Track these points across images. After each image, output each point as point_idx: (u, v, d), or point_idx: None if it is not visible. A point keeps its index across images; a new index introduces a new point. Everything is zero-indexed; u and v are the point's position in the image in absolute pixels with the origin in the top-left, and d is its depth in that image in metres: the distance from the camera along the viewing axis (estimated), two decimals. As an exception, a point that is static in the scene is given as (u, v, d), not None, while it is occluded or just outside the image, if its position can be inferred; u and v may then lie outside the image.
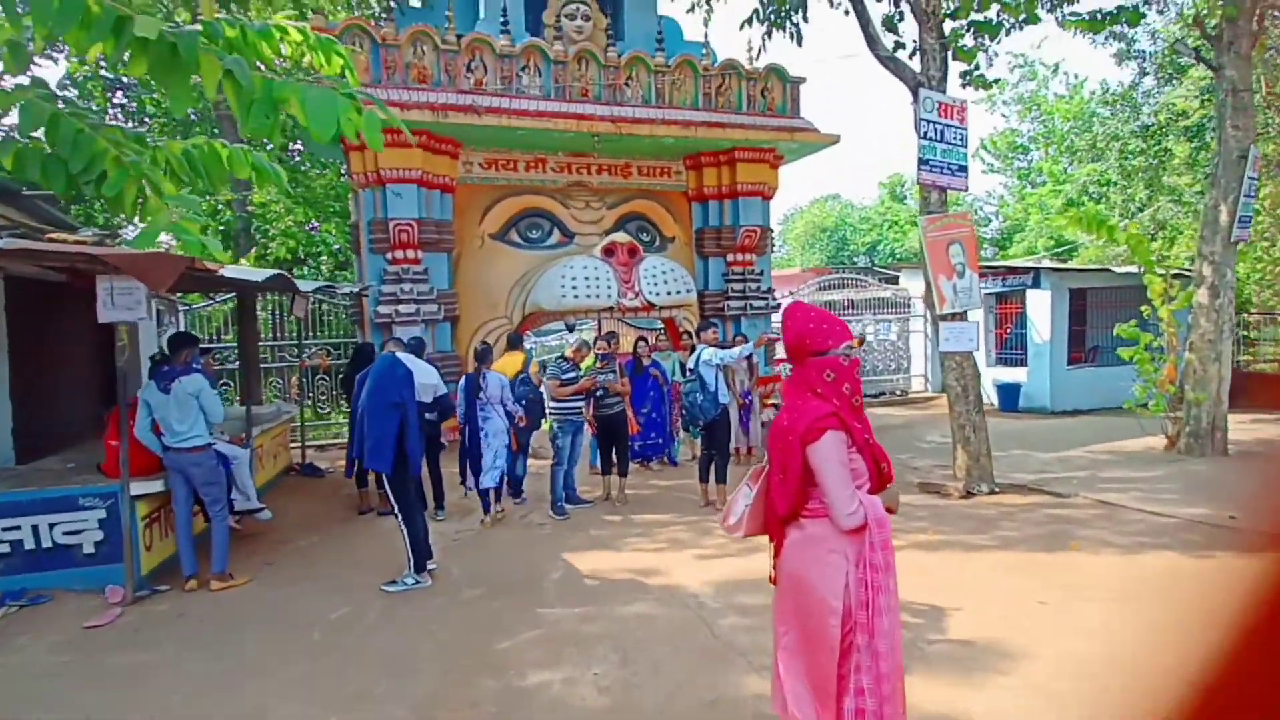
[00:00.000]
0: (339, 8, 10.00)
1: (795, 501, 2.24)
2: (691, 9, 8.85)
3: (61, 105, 3.18)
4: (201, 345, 6.25)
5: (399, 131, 9.47)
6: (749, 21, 7.81)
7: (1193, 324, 8.63)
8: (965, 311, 7.19)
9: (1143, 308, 9.23)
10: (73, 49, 2.70)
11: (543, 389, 7.26)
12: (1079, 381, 13.04)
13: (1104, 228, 8.40)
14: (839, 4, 7.76)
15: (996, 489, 6.99)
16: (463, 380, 6.81)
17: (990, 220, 34.36)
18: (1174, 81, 13.17)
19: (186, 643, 4.19)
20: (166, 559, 5.28)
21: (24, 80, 3.26)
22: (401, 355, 5.49)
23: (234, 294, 9.09)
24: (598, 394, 6.99)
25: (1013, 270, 13.80)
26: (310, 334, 11.41)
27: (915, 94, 7.11)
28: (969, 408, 7.13)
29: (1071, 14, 8.00)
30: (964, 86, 8.06)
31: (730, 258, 11.84)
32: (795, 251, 37.66)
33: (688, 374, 6.82)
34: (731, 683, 3.56)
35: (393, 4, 9.85)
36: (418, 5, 10.86)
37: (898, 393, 15.08)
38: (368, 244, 9.86)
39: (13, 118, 3.34)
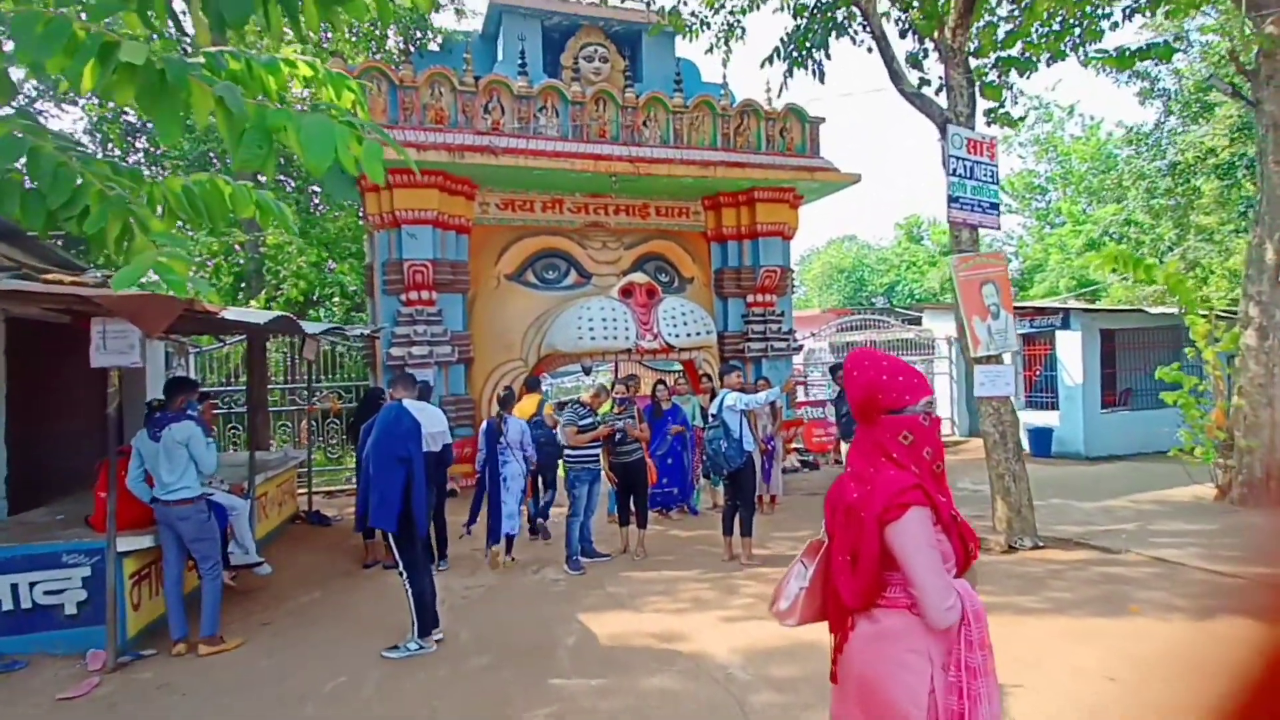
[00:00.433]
0: (358, 51, 10.01)
1: (868, 591, 1.85)
2: (710, 50, 8.71)
3: (68, 150, 2.98)
4: (203, 390, 6.04)
5: (414, 172, 9.46)
6: (769, 60, 7.64)
7: (1240, 367, 8.20)
8: (1001, 354, 6.83)
9: (1186, 349, 8.81)
10: (64, 80, 2.45)
11: (557, 432, 6.97)
12: (1114, 426, 12.53)
13: (1140, 267, 8.05)
14: (862, 41, 7.60)
15: (1040, 543, 6.54)
16: (484, 425, 6.88)
17: (1010, 260, 34.05)
18: (1200, 120, 12.94)
19: None
20: (156, 619, 4.95)
21: (8, 111, 3.08)
22: (409, 403, 5.18)
23: (244, 336, 8.92)
24: (616, 440, 6.66)
25: (1040, 311, 13.41)
26: (323, 377, 11.22)
27: (943, 130, 6.88)
28: (1008, 455, 6.72)
29: (1098, 51, 7.78)
30: (989, 124, 7.84)
31: (750, 298, 11.60)
32: (813, 292, 37.46)
33: (710, 419, 6.48)
34: (768, 775, 3.16)
35: (411, 48, 9.84)
36: (436, 49, 10.88)
37: (923, 437, 14.59)
38: (382, 285, 9.71)
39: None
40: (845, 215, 69.64)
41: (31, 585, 4.34)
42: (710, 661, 4.37)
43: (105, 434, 6.65)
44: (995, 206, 6.92)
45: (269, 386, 12.07)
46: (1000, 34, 7.48)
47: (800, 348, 12.51)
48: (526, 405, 8.22)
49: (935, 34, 7.12)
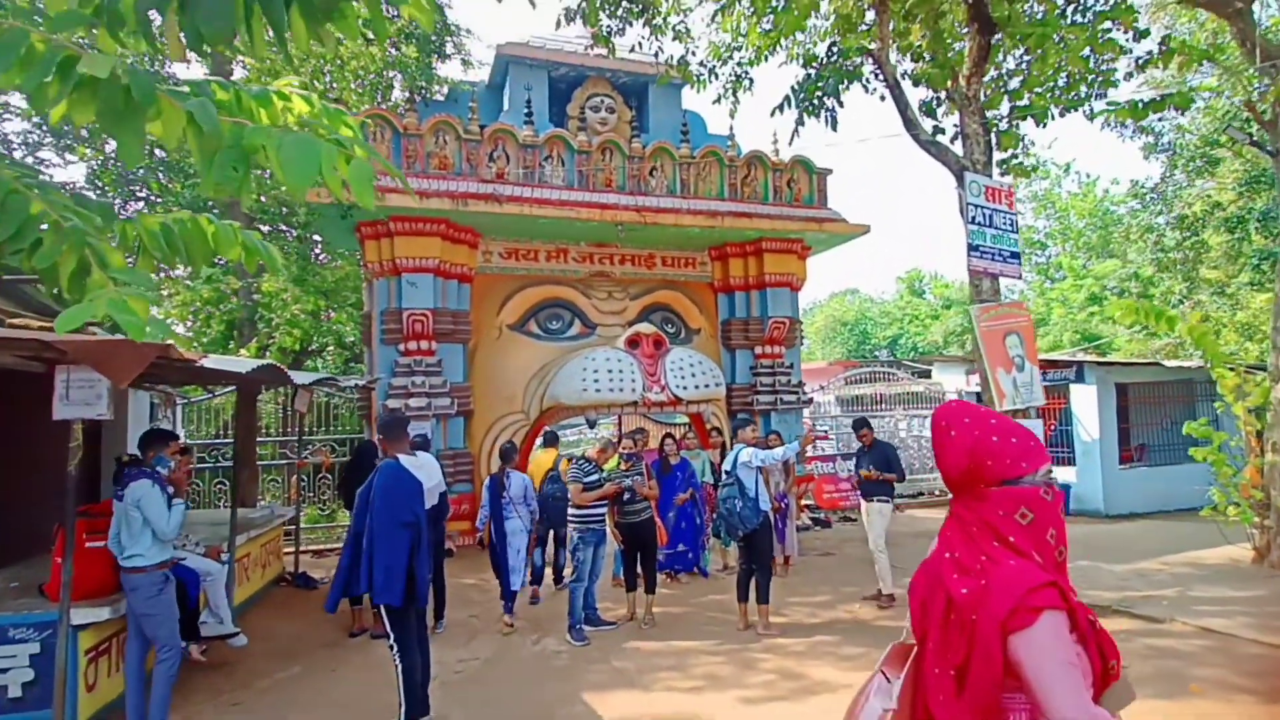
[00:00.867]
0: (363, 100, 9.93)
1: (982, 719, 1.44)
2: (718, 100, 8.63)
3: (24, 178, 2.70)
4: (184, 444, 5.67)
5: (417, 220, 9.27)
6: (780, 108, 7.52)
7: (1273, 422, 7.85)
8: (1027, 408, 6.49)
9: (1216, 404, 8.48)
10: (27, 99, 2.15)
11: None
12: (1133, 482, 12.11)
13: (1162, 318, 7.76)
14: (874, 89, 7.48)
15: (1080, 613, 6.07)
16: (488, 480, 6.75)
17: (1012, 314, 33.90)
18: (1204, 174, 12.89)
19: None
20: (115, 699, 4.48)
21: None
22: (405, 460, 4.76)
23: (234, 388, 8.58)
24: (624, 499, 6.26)
25: (1053, 364, 13.12)
26: (318, 430, 10.83)
27: (960, 179, 6.69)
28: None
29: (1111, 103, 7.65)
30: (1003, 175, 7.69)
31: (758, 350, 11.32)
32: (815, 345, 37.31)
33: (724, 477, 6.09)
34: None
35: (416, 98, 9.77)
36: (441, 99, 10.83)
37: (936, 493, 14.13)
38: (380, 335, 9.43)
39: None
40: (847, 269, 70.17)
41: (-27, 663, 3.90)
42: (731, 752, 3.91)
43: (85, 491, 6.23)
44: (1016, 255, 6.68)
45: (260, 440, 11.69)
46: (1014, 83, 7.38)
47: (810, 400, 12.15)
48: (544, 460, 8.14)
49: (948, 84, 7.00)
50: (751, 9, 7.67)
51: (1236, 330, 14.72)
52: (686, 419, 11.31)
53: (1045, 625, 1.37)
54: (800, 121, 7.31)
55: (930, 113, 7.42)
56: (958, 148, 7.04)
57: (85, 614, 4.11)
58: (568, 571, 6.63)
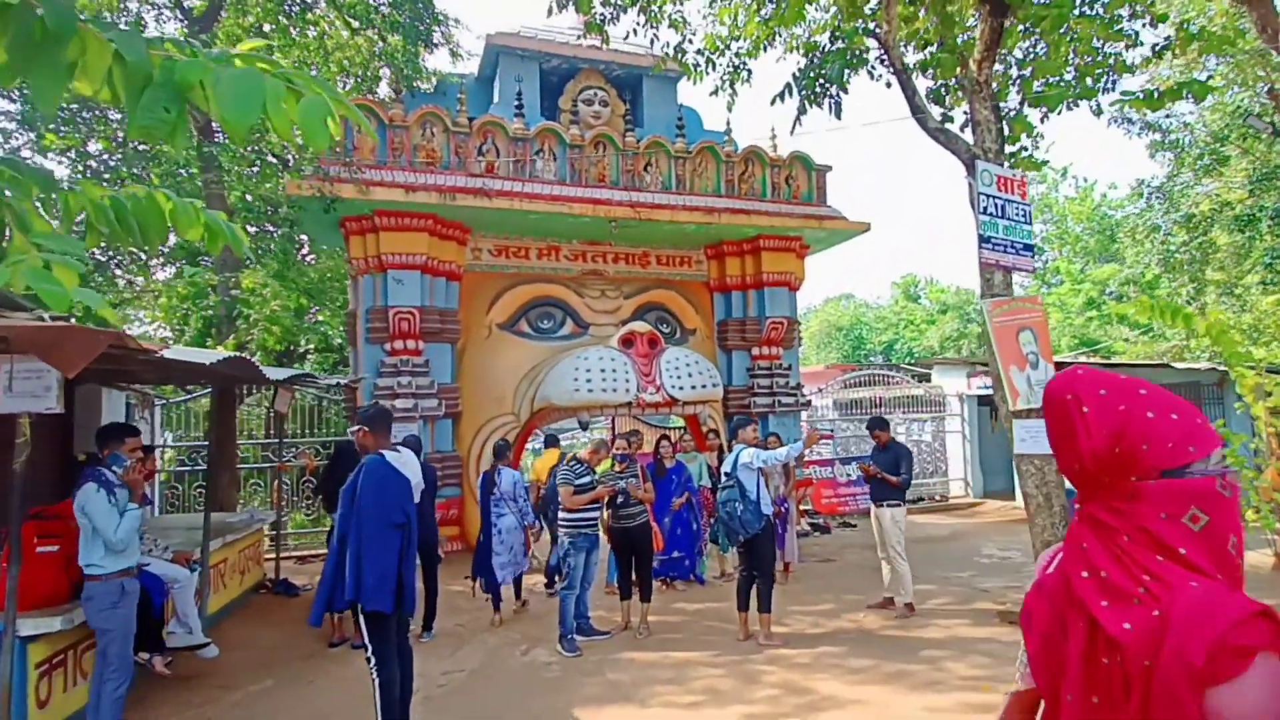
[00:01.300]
0: (350, 94, 9.61)
1: None
2: (715, 92, 8.33)
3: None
4: (146, 444, 5.33)
5: (403, 215, 8.96)
6: (781, 96, 7.23)
7: (1292, 424, 7.61)
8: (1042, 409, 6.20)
9: (1236, 406, 8.23)
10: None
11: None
12: (1140, 487, 11.84)
13: (1180, 316, 7.50)
14: (880, 76, 7.22)
15: (1097, 622, 5.79)
16: (480, 478, 6.79)
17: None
18: (1211, 173, 12.69)
19: None
20: (73, 715, 4.14)
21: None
22: (389, 455, 4.41)
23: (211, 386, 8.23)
24: (618, 502, 5.95)
25: (1058, 366, 12.87)
26: (306, 432, 10.47)
27: (970, 168, 6.41)
28: (1054, 520, 6.02)
29: (1125, 93, 7.39)
30: (1012, 169, 7.42)
31: (755, 351, 11.04)
32: (810, 350, 37.09)
33: (724, 479, 5.78)
34: None
35: (403, 89, 9.46)
36: (429, 91, 10.52)
37: (936, 498, 13.86)
38: (365, 334, 9.10)
39: None
40: (841, 274, 70.10)
41: (-95, 680, 3.56)
42: (735, 775, 3.60)
43: (30, 493, 5.86)
44: (1030, 248, 6.40)
45: (246, 443, 11.32)
46: (1025, 72, 7.12)
47: (808, 403, 11.86)
48: (548, 459, 8.12)
49: (959, 71, 6.74)
50: (750, -1, 7.40)
51: (1242, 333, 14.52)
52: (682, 422, 11.01)
53: (1262, 674, 0.97)
54: (802, 110, 7.03)
55: (939, 100, 7.14)
56: (968, 136, 6.77)
57: (35, 624, 3.78)
58: (558, 577, 6.34)
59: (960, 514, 12.74)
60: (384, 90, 11.00)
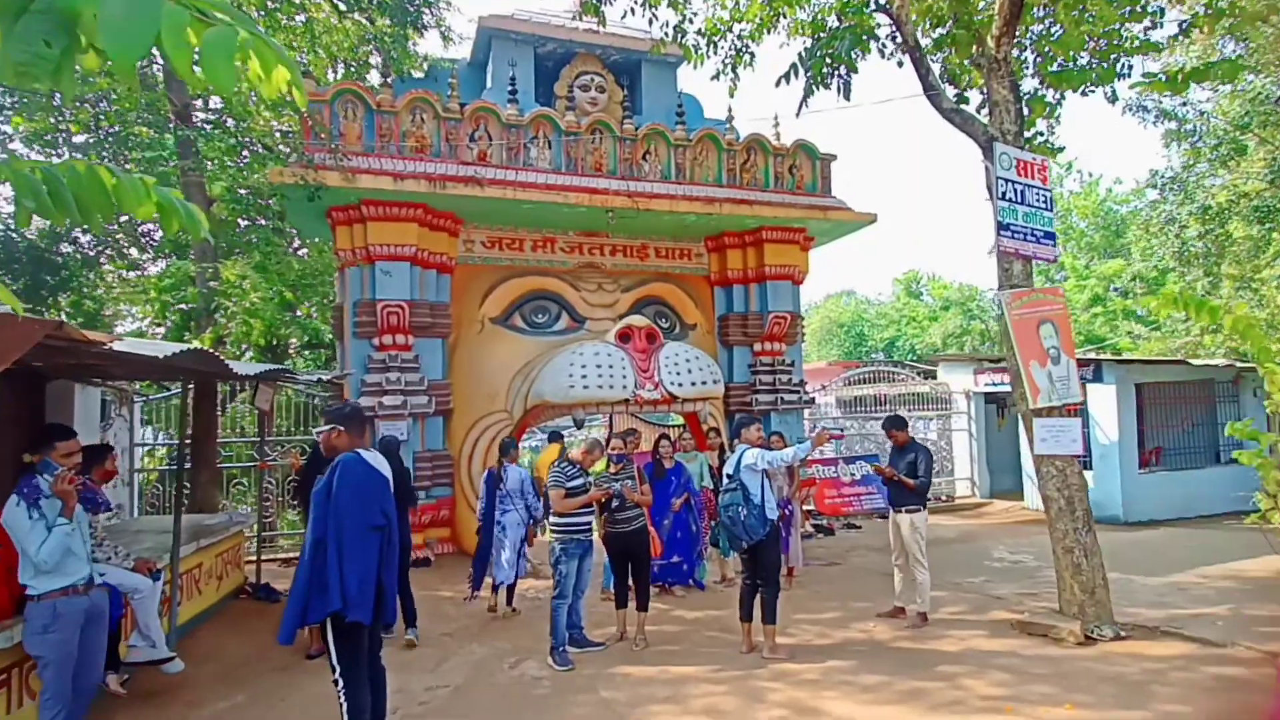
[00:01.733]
0: (335, 71, 9.26)
1: None
2: (717, 76, 7.97)
3: None
4: (97, 445, 4.99)
5: (391, 204, 8.58)
6: (786, 77, 6.87)
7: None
8: (1064, 405, 5.86)
9: (1266, 402, 7.85)
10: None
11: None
12: (1152, 488, 11.50)
13: (1205, 309, 7.12)
14: (891, 54, 6.86)
15: (1123, 633, 5.44)
16: (485, 474, 6.81)
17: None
18: (1228, 164, 12.31)
19: None
20: (15, 740, 3.80)
21: None
22: (365, 454, 4.04)
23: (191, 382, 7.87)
24: (613, 506, 5.59)
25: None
26: (298, 430, 10.10)
27: (987, 151, 6.06)
28: (1077, 525, 5.68)
29: (1148, 75, 7.03)
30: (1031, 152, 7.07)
31: (757, 347, 10.67)
32: (811, 347, 36.76)
33: (726, 481, 5.43)
34: None
35: (392, 74, 9.09)
36: (420, 76, 10.16)
37: (942, 498, 13.50)
38: (352, 328, 8.74)
39: None
40: (841, 270, 69.69)
41: None
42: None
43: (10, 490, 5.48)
44: (1051, 235, 6.05)
45: (232, 441, 10.97)
46: (1041, 54, 6.76)
47: (812, 400, 11.51)
48: (550, 454, 8.15)
49: (974, 50, 6.38)
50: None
51: (1259, 326, 14.15)
52: (681, 420, 10.66)
53: None
54: (809, 91, 6.66)
55: (954, 79, 6.78)
56: (984, 118, 6.41)
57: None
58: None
59: (967, 515, 12.39)
60: (374, 79, 10.66)
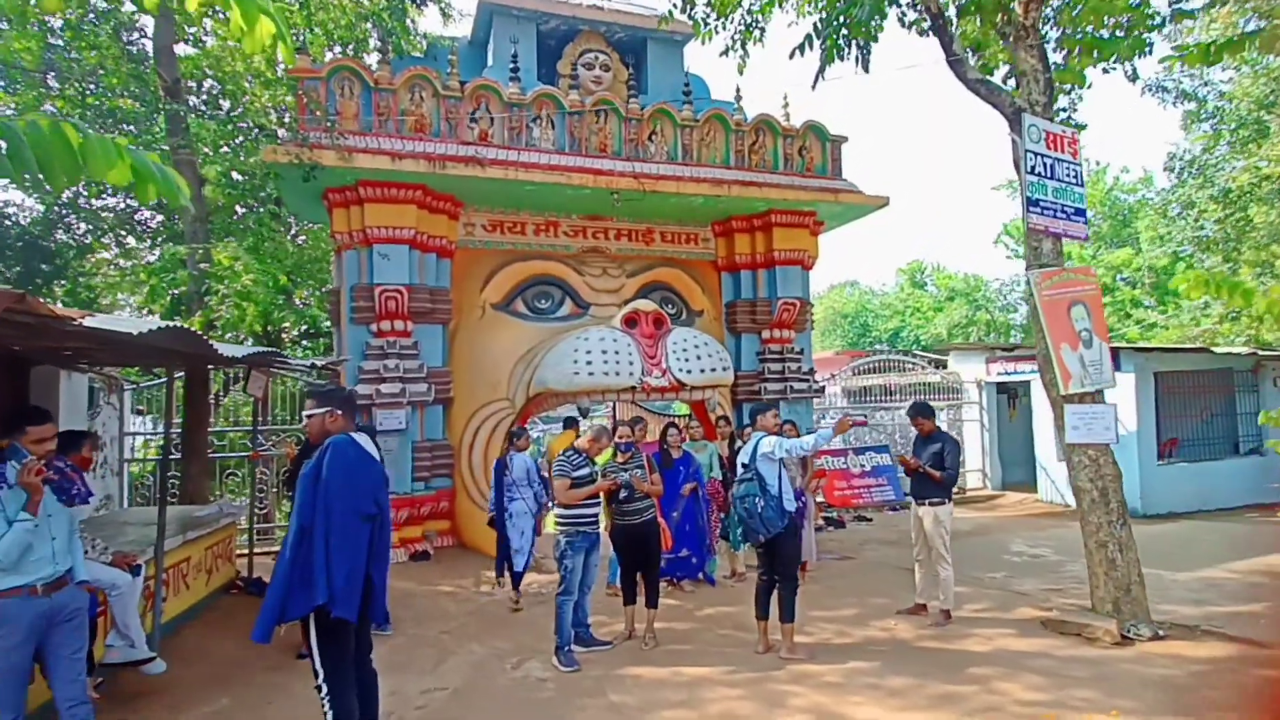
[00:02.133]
0: (332, 53, 8.92)
1: None
2: (726, 52, 7.64)
3: None
4: (76, 431, 4.69)
5: (389, 185, 8.26)
6: (801, 49, 6.53)
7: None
8: (1098, 391, 5.55)
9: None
10: None
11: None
12: (1171, 480, 11.21)
13: (1238, 290, 6.82)
14: (912, 24, 6.52)
15: (1161, 632, 5.15)
16: (496, 463, 6.90)
17: (1017, 307, 33.16)
18: (1249, 146, 11.95)
19: None
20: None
21: None
22: (358, 437, 3.74)
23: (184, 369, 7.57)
24: (621, 497, 5.30)
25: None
26: (297, 419, 9.81)
27: (1014, 122, 5.74)
28: (1111, 518, 5.38)
29: (1179, 47, 6.67)
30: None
31: (766, 334, 10.36)
32: (815, 337, 36.48)
33: (741, 470, 5.13)
34: None
35: (390, 52, 8.75)
36: (419, 55, 9.82)
37: (958, 490, 13.20)
38: (349, 313, 8.43)
39: None
40: (844, 261, 69.22)
41: None
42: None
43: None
44: (1081, 212, 5.73)
45: (224, 429, 10.69)
46: (1067, 29, 6.42)
47: (822, 389, 11.21)
48: (565, 439, 8.14)
49: (999, 17, 6.04)
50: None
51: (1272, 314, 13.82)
52: (685, 408, 10.36)
53: None
54: (827, 61, 6.33)
55: (979, 47, 6.43)
56: (1007, 91, 6.08)
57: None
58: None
59: (980, 507, 12.11)
60: (372, 61, 10.31)
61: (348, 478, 3.36)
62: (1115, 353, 11.39)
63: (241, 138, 8.54)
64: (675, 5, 7.34)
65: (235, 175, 9.40)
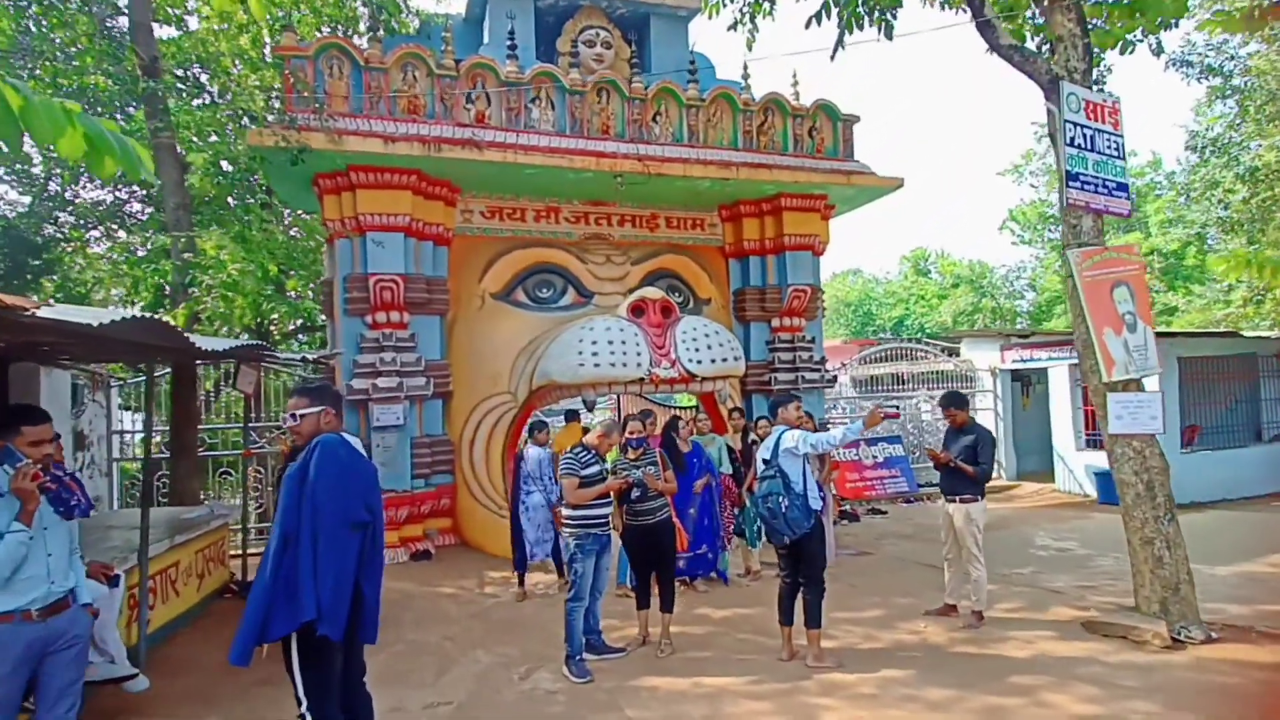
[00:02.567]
0: (320, 26, 8.53)
1: None
2: (734, 26, 7.28)
3: None
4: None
5: (383, 170, 7.88)
6: (818, 18, 6.15)
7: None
8: (1142, 379, 5.21)
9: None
10: None
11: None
12: (1196, 468, 10.86)
13: (1277, 271, 6.47)
14: (937, -12, 6.14)
15: (1214, 634, 4.82)
16: (515, 457, 6.89)
17: (1024, 295, 32.83)
18: (1276, 122, 11.53)
19: None
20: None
21: None
22: (349, 437, 3.42)
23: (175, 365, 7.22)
24: (633, 496, 4.96)
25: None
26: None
27: (1050, 91, 5.36)
28: (1158, 513, 5.05)
29: (1218, 13, 6.29)
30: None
31: (776, 322, 10.00)
32: (818, 327, 36.13)
33: (764, 466, 4.78)
34: None
35: (380, 24, 8.36)
36: (411, 35, 9.41)
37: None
38: (343, 304, 8.07)
39: None
40: (847, 249, 68.77)
41: None
42: None
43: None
44: (1124, 186, 5.37)
45: (217, 427, 10.36)
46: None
47: (834, 379, 10.86)
48: (569, 434, 8.15)
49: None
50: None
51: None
52: (689, 401, 10.00)
53: None
54: (847, 29, 5.95)
55: (1010, 12, 6.05)
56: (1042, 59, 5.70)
57: None
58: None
59: (996, 498, 11.73)
60: (363, 42, 9.91)
61: (338, 480, 3.04)
62: (1136, 338, 11.07)
63: (230, 125, 8.17)
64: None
65: (225, 165, 9.04)
